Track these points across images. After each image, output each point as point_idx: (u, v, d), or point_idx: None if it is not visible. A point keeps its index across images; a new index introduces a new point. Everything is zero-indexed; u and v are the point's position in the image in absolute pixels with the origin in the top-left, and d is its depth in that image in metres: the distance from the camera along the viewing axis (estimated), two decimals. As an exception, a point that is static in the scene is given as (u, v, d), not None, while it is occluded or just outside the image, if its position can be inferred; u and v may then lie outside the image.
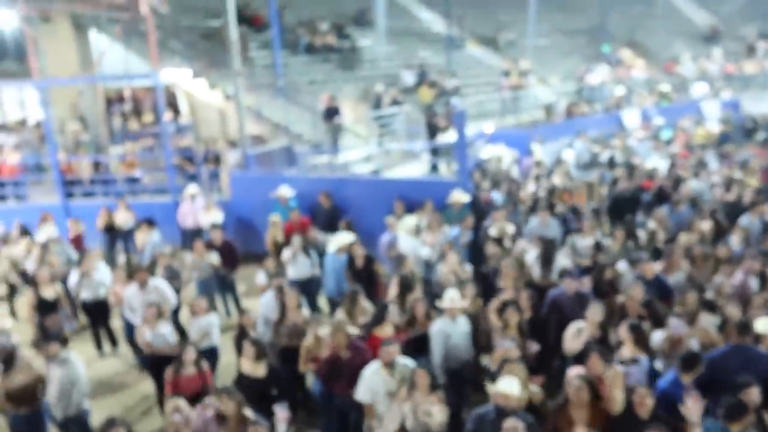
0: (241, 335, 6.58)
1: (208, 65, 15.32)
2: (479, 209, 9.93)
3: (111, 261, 10.59)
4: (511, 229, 8.57)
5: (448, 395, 5.43)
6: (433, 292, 7.51)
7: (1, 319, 8.64)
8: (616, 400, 4.82)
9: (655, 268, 7.31)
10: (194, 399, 5.63)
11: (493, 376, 5.35)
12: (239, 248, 9.46)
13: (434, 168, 14.50)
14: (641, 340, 5.65)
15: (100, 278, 8.29)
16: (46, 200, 12.47)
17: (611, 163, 14.39)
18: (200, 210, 10.92)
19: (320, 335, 6.08)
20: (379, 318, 6.36)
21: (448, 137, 14.07)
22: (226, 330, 8.11)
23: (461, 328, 6.25)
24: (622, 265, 7.56)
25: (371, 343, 6.12)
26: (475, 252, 8.92)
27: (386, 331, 6.27)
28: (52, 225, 10.02)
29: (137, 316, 7.44)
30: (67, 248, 9.68)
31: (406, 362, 5.51)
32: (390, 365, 5.40)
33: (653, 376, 5.49)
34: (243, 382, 5.68)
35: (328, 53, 18.76)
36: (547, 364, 6.40)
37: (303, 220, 9.97)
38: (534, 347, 6.23)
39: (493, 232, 8.40)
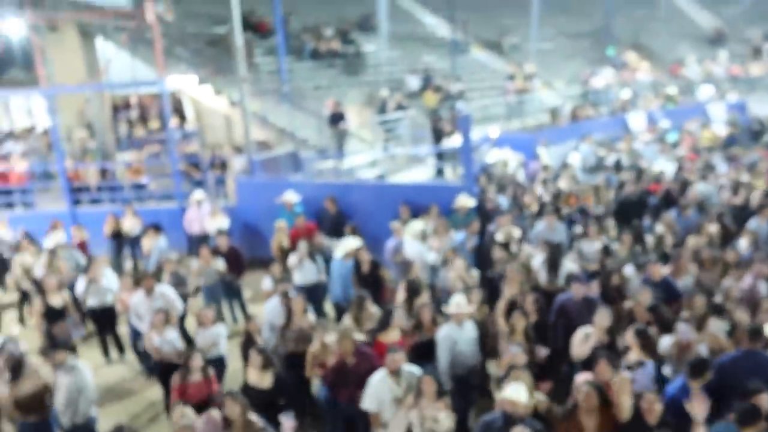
0: (248, 342, 6.58)
1: (213, 72, 15.39)
2: (485, 214, 9.91)
3: (118, 267, 10.63)
4: (517, 233, 8.54)
5: (454, 401, 5.41)
6: (437, 298, 7.50)
7: (9, 326, 8.71)
8: (625, 407, 4.79)
9: (663, 271, 7.27)
10: (201, 406, 5.64)
11: (501, 383, 5.34)
12: (245, 254, 9.47)
13: (440, 172, 14.50)
14: (648, 346, 5.62)
15: (107, 285, 8.31)
16: (53, 207, 12.52)
17: (617, 167, 14.35)
18: (206, 216, 10.95)
19: (327, 342, 6.07)
20: (384, 324, 6.34)
21: (454, 142, 14.07)
22: (233, 336, 8.11)
23: (468, 333, 6.22)
24: (629, 270, 7.53)
25: (376, 349, 6.11)
26: (480, 257, 8.90)
27: (391, 336, 6.25)
28: (62, 231, 10.07)
29: (144, 323, 7.46)
30: (75, 254, 9.72)
31: (412, 369, 5.50)
32: (396, 373, 5.38)
33: (661, 381, 5.45)
34: (250, 393, 5.65)
35: (333, 59, 18.81)
36: (555, 370, 6.37)
37: (309, 225, 9.98)
38: (543, 352, 6.20)
39: (499, 237, 8.37)
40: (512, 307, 6.54)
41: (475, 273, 8.18)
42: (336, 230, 9.80)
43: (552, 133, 16.95)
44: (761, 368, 5.16)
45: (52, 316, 7.79)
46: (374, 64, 19.97)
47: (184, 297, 8.33)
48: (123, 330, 8.50)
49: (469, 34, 23.18)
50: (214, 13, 17.22)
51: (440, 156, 14.63)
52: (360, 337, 6.20)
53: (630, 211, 10.41)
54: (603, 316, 6.01)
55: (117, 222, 10.98)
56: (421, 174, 14.41)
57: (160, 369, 6.82)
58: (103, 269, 8.41)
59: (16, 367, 5.90)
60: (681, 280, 7.31)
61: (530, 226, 9.57)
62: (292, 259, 8.60)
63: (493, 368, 6.27)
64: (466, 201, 9.60)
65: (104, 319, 8.39)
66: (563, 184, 12.02)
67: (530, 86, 20.53)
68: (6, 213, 12.12)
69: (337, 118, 14.28)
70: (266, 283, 8.03)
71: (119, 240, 11.06)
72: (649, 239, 9.02)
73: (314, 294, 8.40)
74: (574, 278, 6.88)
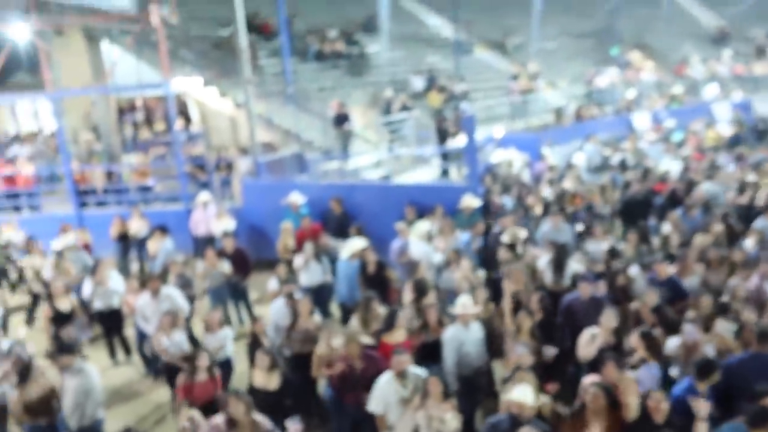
0: (254, 343, 6.60)
1: (218, 74, 15.43)
2: (491, 214, 9.91)
3: (124, 269, 10.68)
4: (523, 234, 8.53)
5: (460, 402, 5.41)
6: (441, 299, 7.49)
7: (17, 329, 8.75)
8: (632, 407, 4.79)
9: (670, 270, 7.26)
10: (206, 407, 5.66)
11: (506, 383, 5.34)
12: (251, 255, 9.50)
13: (445, 173, 14.50)
14: (653, 348, 5.60)
15: (114, 287, 8.34)
16: (60, 210, 12.59)
17: (623, 166, 14.32)
18: (212, 218, 10.98)
19: (333, 346, 6.08)
20: (389, 324, 6.34)
21: (458, 142, 14.07)
22: (239, 338, 8.13)
23: (474, 334, 6.22)
24: (633, 270, 7.51)
25: (381, 350, 6.12)
26: (485, 257, 8.89)
27: (396, 337, 6.25)
28: (70, 234, 10.13)
29: (150, 325, 7.48)
30: (82, 255, 9.77)
31: (418, 371, 5.50)
32: (402, 374, 5.39)
33: (668, 383, 5.44)
34: (257, 395, 5.65)
35: (337, 60, 18.83)
36: (561, 370, 6.36)
37: (314, 226, 10.00)
38: (551, 351, 6.19)
39: (505, 238, 8.36)
40: (517, 306, 6.54)
41: (481, 274, 8.18)
42: (341, 231, 9.81)
43: (556, 133, 16.93)
44: (769, 370, 5.14)
45: (60, 319, 7.82)
46: (378, 64, 19.99)
47: (191, 299, 8.36)
48: (129, 332, 8.54)
49: (472, 34, 23.18)
50: (218, 16, 17.26)
51: (445, 156, 14.63)
52: (366, 340, 6.20)
53: (635, 211, 10.39)
54: (609, 317, 6.01)
55: (123, 224, 11.03)
56: (426, 174, 14.42)
57: (167, 371, 6.85)
58: (109, 271, 8.45)
59: (24, 371, 5.93)
60: (687, 279, 7.30)
61: (535, 228, 9.56)
62: (298, 261, 8.62)
63: (499, 368, 6.27)
64: (471, 201, 9.60)
65: (111, 322, 8.43)
66: (568, 184, 12.01)
67: (534, 86, 20.51)
68: (14, 216, 12.19)
69: (341, 119, 14.30)
70: (272, 284, 8.04)
71: (126, 242, 11.10)
72: (655, 239, 9.00)
73: (320, 295, 8.42)
74: (581, 277, 6.86)
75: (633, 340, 5.67)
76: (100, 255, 10.14)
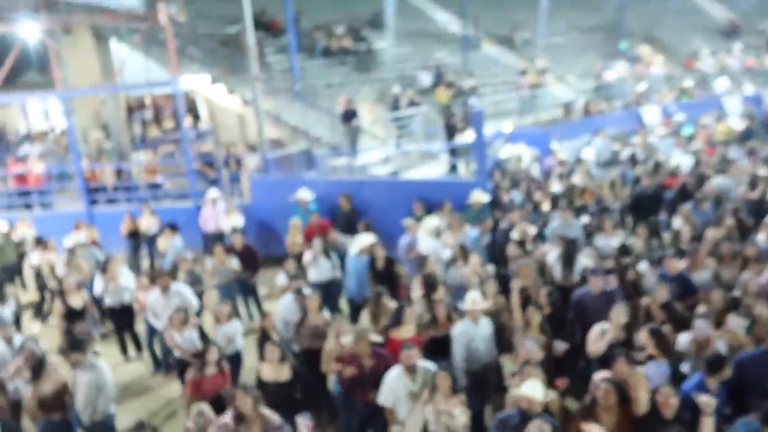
0: (263, 339, 6.62)
1: (226, 71, 15.47)
2: (500, 209, 9.88)
3: (135, 266, 10.75)
4: (532, 231, 8.50)
5: (469, 398, 5.41)
6: (449, 294, 7.47)
7: (30, 325, 8.84)
8: (641, 401, 4.77)
9: (680, 265, 7.21)
10: (216, 400, 5.69)
11: (513, 377, 5.33)
12: (260, 251, 9.53)
13: (453, 168, 14.47)
14: (662, 345, 5.56)
15: (125, 284, 8.40)
16: (71, 208, 12.70)
17: (633, 161, 14.23)
18: (221, 214, 11.02)
19: (343, 344, 6.08)
20: (397, 320, 6.34)
21: (467, 137, 14.03)
22: (249, 333, 8.17)
23: (483, 330, 6.20)
24: (643, 266, 7.46)
25: (389, 345, 6.12)
26: (494, 253, 8.87)
27: (404, 333, 6.25)
28: (83, 231, 10.22)
29: (160, 321, 7.53)
30: (94, 251, 9.88)
31: (427, 365, 5.51)
32: (411, 369, 5.40)
33: (679, 379, 5.40)
34: (266, 389, 5.66)
35: (345, 56, 18.82)
36: (571, 365, 6.34)
37: (323, 222, 10.01)
38: (561, 346, 6.17)
39: (515, 235, 8.33)
40: (526, 301, 6.52)
41: (491, 269, 8.15)
42: (350, 227, 9.83)
43: (565, 128, 16.84)
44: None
45: (73, 316, 7.89)
46: (386, 60, 19.96)
47: (200, 295, 8.40)
48: (140, 328, 8.60)
49: (480, 29, 23.08)
50: (225, 13, 17.30)
51: (453, 152, 14.60)
52: (376, 338, 6.20)
53: (646, 206, 10.32)
54: (619, 313, 5.98)
55: (134, 221, 11.10)
56: (435, 170, 14.40)
57: (179, 366, 6.89)
58: (120, 268, 8.51)
59: (38, 367, 5.98)
60: (697, 274, 7.25)
61: (543, 223, 9.52)
62: (307, 257, 8.63)
63: (508, 363, 6.26)
64: (480, 197, 9.58)
65: (122, 318, 8.49)
66: (577, 179, 11.94)
67: (543, 81, 20.40)
68: (25, 214, 12.30)
69: (349, 116, 14.30)
70: (281, 279, 8.07)
71: (136, 239, 11.18)
72: (665, 234, 8.93)
73: (329, 291, 8.44)
74: (592, 271, 6.83)
75: (642, 337, 5.64)
76: (110, 252, 10.23)
